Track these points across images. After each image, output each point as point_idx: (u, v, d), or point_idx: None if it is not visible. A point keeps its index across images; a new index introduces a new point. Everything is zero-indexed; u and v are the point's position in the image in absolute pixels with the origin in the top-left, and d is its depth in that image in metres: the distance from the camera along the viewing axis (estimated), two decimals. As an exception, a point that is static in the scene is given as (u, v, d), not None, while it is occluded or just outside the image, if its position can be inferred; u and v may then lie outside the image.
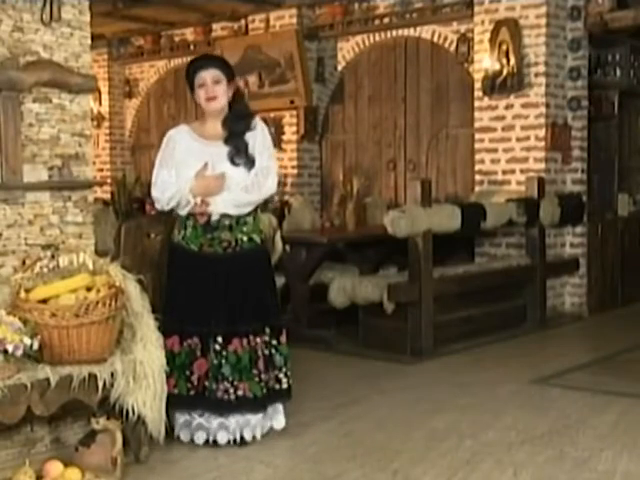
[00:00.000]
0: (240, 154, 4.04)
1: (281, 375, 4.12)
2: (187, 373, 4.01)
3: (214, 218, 4.01)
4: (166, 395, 3.81)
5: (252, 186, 4.04)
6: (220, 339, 3.98)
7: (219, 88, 4.06)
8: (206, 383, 4.00)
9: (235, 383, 3.98)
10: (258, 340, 4.04)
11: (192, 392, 4.01)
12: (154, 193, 4.07)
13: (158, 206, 4.09)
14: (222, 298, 4.01)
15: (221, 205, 4.00)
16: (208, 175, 4.00)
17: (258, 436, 4.09)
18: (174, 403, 3.95)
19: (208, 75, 4.05)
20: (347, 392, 5.06)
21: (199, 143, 4.07)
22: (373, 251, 7.09)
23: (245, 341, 4.01)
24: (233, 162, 4.04)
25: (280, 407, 4.19)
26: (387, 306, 5.98)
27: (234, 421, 4.02)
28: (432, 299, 6.13)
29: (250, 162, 4.06)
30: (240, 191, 4.02)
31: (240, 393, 3.99)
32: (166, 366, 3.80)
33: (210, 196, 3.98)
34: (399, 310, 6.02)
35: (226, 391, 3.98)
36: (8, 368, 3.29)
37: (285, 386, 4.13)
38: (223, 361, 3.98)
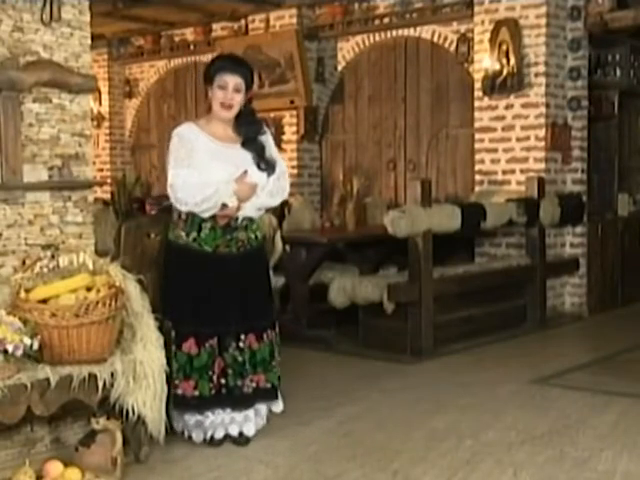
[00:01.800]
0: (263, 159, 4.08)
1: (277, 365, 4.21)
2: (209, 373, 4.02)
3: (239, 221, 4.04)
4: (186, 398, 3.91)
5: (276, 191, 4.12)
6: (242, 336, 4.03)
7: (238, 97, 4.03)
8: (222, 380, 4.03)
9: (251, 377, 4.05)
10: (273, 333, 4.14)
11: (213, 391, 4.03)
12: (178, 195, 3.93)
13: (183, 208, 3.95)
14: (238, 296, 4.04)
15: (248, 209, 4.05)
16: (246, 182, 4.01)
17: (265, 423, 4.19)
18: (196, 405, 3.99)
19: (232, 81, 4.01)
20: (347, 392, 5.06)
21: (216, 145, 4.03)
22: (373, 251, 7.09)
23: (265, 335, 4.09)
24: (259, 167, 4.06)
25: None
26: (387, 306, 5.98)
27: (251, 413, 4.09)
28: (432, 299, 6.13)
29: (271, 167, 4.10)
30: (266, 196, 4.08)
31: (255, 385, 4.06)
32: (184, 369, 3.89)
33: (243, 202, 4.01)
34: (399, 310, 6.02)
35: (248, 386, 4.05)
36: (8, 368, 3.29)
37: (278, 374, 4.21)
38: (246, 357, 4.04)
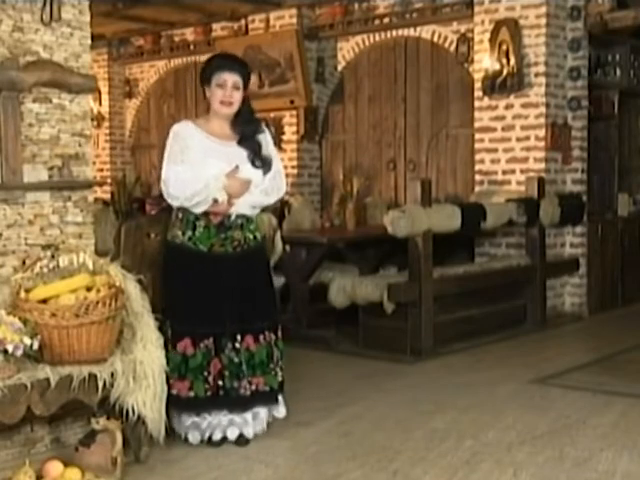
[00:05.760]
0: (258, 157, 4.09)
1: (277, 369, 4.17)
2: (205, 374, 4.01)
3: (232, 218, 4.04)
4: (180, 398, 3.89)
5: (272, 189, 4.13)
6: (238, 337, 4.02)
7: (237, 95, 4.07)
8: (220, 382, 4.02)
9: (249, 379, 4.03)
10: (272, 336, 4.11)
11: (209, 393, 4.02)
12: (170, 190, 3.98)
13: (175, 203, 4.00)
14: (235, 297, 4.03)
15: (242, 206, 4.05)
16: (238, 177, 4.02)
17: (265, 428, 4.15)
18: (190, 405, 3.99)
19: (230, 79, 4.05)
20: (347, 392, 5.06)
21: (212, 142, 4.06)
22: (373, 251, 7.09)
23: (261, 337, 4.07)
24: (254, 164, 4.07)
25: (280, 397, 4.24)
26: (387, 306, 5.98)
27: (249, 416, 4.06)
28: (432, 299, 6.13)
29: (267, 165, 4.11)
30: (260, 194, 4.09)
31: (254, 388, 4.04)
32: (179, 369, 3.88)
33: (235, 198, 4.02)
34: (399, 310, 6.02)
35: (245, 388, 4.02)
36: (8, 368, 3.29)
37: (280, 379, 4.19)
38: (242, 358, 4.02)
